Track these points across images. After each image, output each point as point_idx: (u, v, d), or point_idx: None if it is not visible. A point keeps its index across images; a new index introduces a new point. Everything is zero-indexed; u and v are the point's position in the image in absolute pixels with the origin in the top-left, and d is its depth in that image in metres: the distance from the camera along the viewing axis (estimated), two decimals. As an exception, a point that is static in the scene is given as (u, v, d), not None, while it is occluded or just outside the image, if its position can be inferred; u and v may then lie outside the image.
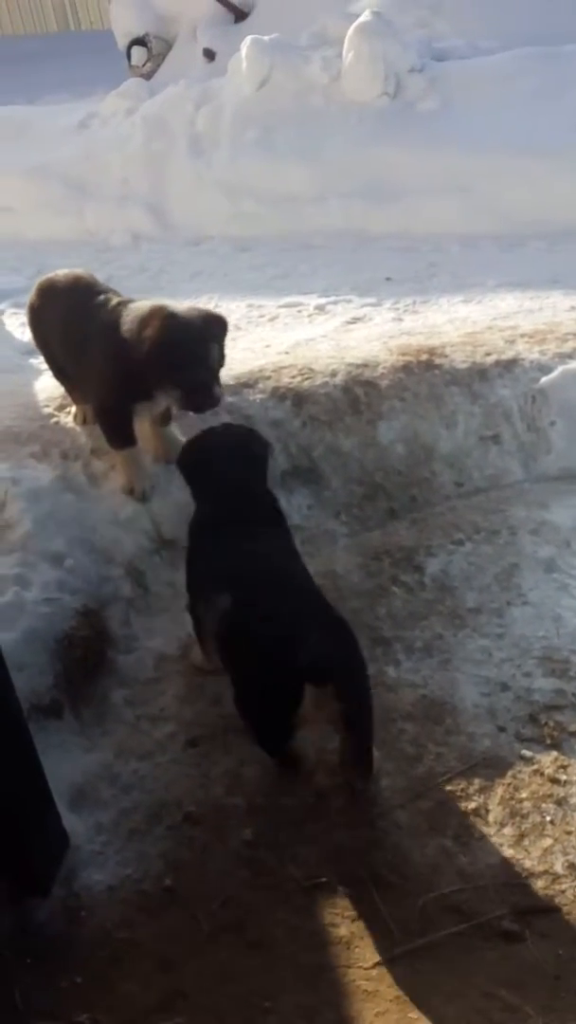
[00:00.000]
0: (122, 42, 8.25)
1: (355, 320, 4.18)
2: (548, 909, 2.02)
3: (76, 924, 2.01)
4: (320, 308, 4.32)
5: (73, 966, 1.92)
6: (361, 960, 1.94)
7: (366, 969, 1.92)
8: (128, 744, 2.44)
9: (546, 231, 5.16)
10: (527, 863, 2.11)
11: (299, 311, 4.31)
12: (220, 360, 2.78)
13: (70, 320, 3.00)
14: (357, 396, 3.45)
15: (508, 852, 2.13)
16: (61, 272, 3.21)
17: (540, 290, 4.40)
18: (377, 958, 1.94)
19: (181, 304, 2.87)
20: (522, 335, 3.81)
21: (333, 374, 3.49)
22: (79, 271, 3.20)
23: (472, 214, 5.36)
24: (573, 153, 5.37)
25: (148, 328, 2.70)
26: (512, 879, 2.08)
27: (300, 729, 2.20)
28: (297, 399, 3.39)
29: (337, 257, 4.98)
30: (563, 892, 2.05)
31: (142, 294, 4.70)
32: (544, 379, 3.55)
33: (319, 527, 3.26)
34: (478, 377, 3.57)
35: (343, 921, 2.02)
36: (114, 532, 2.88)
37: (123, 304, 2.89)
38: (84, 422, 3.23)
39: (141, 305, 2.83)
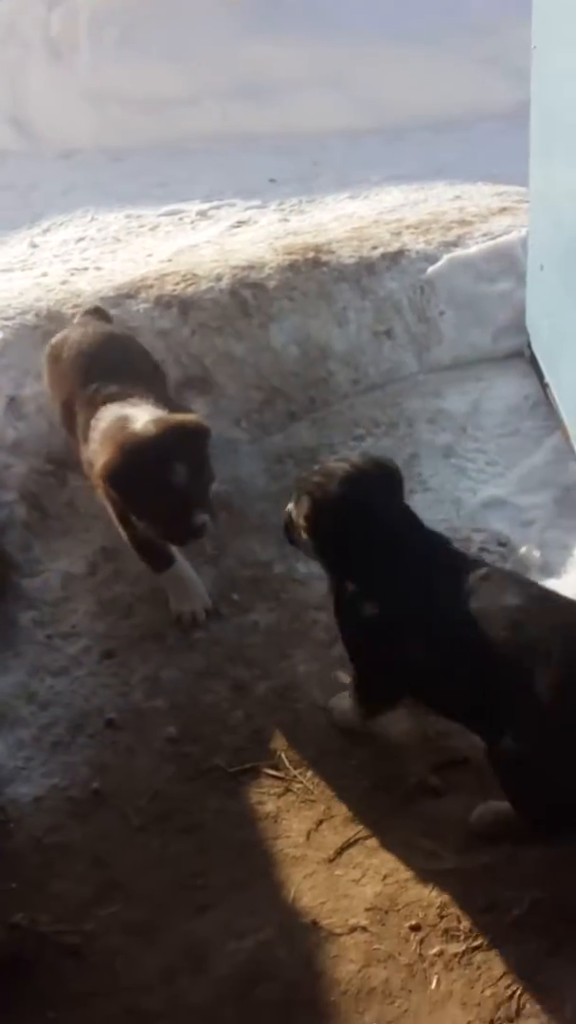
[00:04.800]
0: None
1: (240, 224, 4.07)
2: (462, 761, 2.14)
3: (4, 837, 2.02)
4: (202, 214, 4.19)
5: (5, 874, 1.94)
6: (289, 831, 2.03)
7: (293, 839, 2.01)
8: (42, 662, 2.42)
9: (428, 122, 5.09)
10: (439, 725, 2.21)
11: (181, 219, 4.17)
12: (200, 477, 2.34)
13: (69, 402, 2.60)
14: (245, 299, 3.38)
15: (420, 717, 2.23)
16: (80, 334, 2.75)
17: (424, 182, 4.38)
18: (304, 828, 2.03)
19: (150, 411, 2.39)
20: (407, 227, 3.79)
21: (218, 278, 3.41)
22: (95, 334, 2.73)
23: (353, 108, 5.23)
24: (449, 39, 5.27)
25: (102, 457, 2.32)
26: (426, 740, 2.19)
27: None
28: (183, 306, 3.30)
29: (217, 161, 4.80)
30: (472, 746, 2.17)
31: (12, 214, 4.49)
32: (431, 269, 3.56)
33: (220, 436, 3.19)
34: (366, 271, 3.54)
35: (270, 798, 2.10)
36: (2, 457, 2.78)
37: (99, 404, 2.45)
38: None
39: (106, 418, 2.40)
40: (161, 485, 2.25)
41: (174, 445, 2.29)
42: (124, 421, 2.36)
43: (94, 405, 2.45)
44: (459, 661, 1.86)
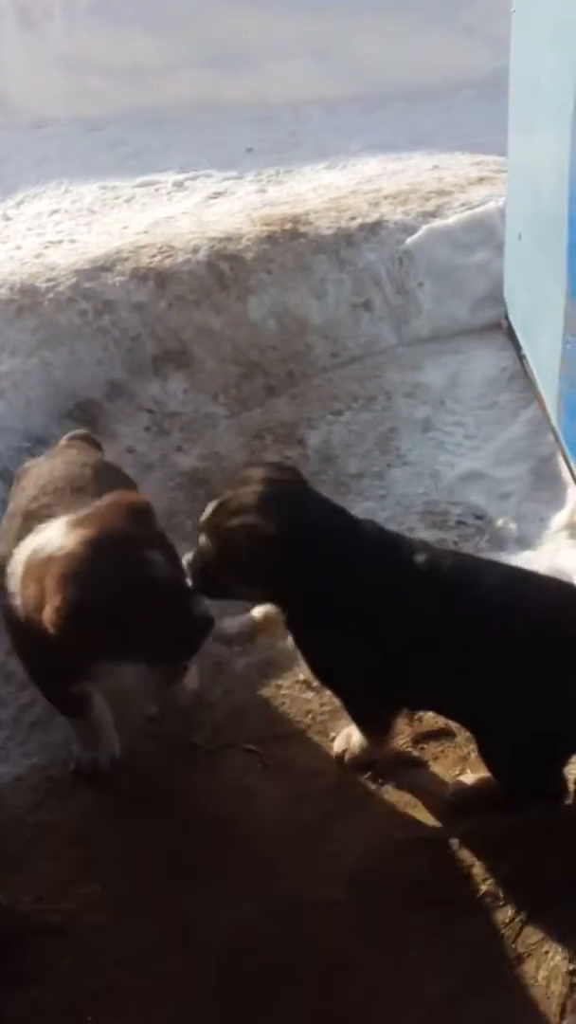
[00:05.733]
0: None
1: (216, 195, 4.03)
2: (442, 733, 2.15)
3: (-17, 817, 2.02)
4: (179, 185, 4.14)
5: (-16, 854, 1.94)
6: (269, 806, 2.03)
7: (274, 813, 2.02)
8: (20, 643, 2.40)
9: (406, 91, 5.03)
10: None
11: (157, 190, 4.11)
12: (170, 557, 1.83)
13: None
14: (223, 271, 3.34)
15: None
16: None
17: (403, 151, 4.34)
18: (284, 802, 2.04)
19: (62, 523, 1.84)
20: (386, 197, 3.76)
21: (195, 250, 3.36)
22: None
23: (331, 77, 5.16)
24: (427, 7, 5.19)
25: (51, 602, 1.71)
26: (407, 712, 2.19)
27: None
28: (160, 279, 3.26)
29: (193, 131, 4.73)
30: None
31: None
32: (409, 240, 3.53)
33: (198, 411, 3.20)
34: (344, 243, 3.51)
35: (249, 774, 2.10)
36: (-22, 434, 2.75)
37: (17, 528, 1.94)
38: None
39: (30, 548, 1.84)
40: (142, 591, 1.71)
41: (126, 534, 1.76)
42: (39, 551, 1.79)
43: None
44: (433, 649, 1.81)
